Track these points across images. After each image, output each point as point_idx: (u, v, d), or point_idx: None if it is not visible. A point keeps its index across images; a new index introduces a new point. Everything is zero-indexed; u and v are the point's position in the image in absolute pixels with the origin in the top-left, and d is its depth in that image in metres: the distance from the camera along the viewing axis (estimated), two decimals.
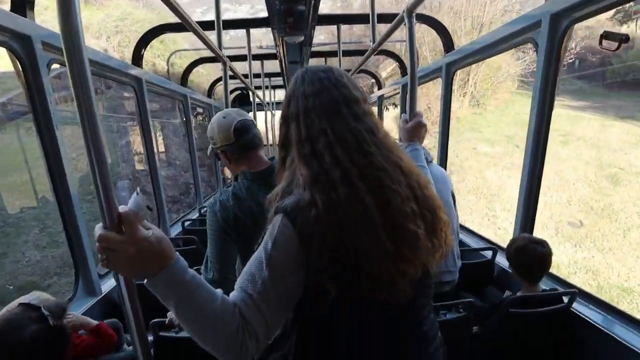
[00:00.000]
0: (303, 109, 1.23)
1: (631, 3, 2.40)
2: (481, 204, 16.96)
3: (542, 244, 2.53)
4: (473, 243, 4.28)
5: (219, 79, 8.98)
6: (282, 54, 5.86)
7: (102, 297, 3.11)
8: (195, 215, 6.43)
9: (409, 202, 1.15)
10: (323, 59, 7.03)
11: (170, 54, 14.34)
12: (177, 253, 1.02)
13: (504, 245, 3.82)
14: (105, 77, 4.00)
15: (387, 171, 1.15)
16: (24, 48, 2.51)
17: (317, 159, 1.15)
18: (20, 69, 2.55)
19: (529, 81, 22.93)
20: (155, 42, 7.20)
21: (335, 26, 4.98)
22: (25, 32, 2.47)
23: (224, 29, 3.51)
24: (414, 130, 1.96)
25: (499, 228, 15.42)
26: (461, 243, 4.19)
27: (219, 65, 3.42)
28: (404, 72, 7.42)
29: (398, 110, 12.79)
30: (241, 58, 6.36)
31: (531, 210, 3.24)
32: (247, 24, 4.88)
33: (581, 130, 18.96)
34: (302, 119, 1.22)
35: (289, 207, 1.11)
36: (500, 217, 15.97)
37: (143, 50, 4.91)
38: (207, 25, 4.38)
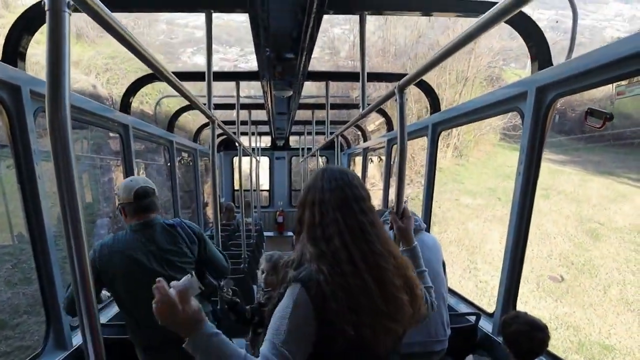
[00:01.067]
0: (319, 200, 1.53)
1: (615, 84, 2.42)
2: (462, 256, 16.94)
3: (543, 330, 2.46)
4: (455, 304, 4.28)
5: (206, 124, 8.98)
6: (269, 105, 5.90)
7: (72, 351, 2.97)
8: None
9: (397, 279, 1.48)
10: (310, 111, 7.08)
11: (158, 99, 14.25)
12: (207, 322, 1.30)
13: (487, 308, 3.78)
14: (92, 124, 3.98)
15: (382, 255, 1.47)
16: (11, 97, 2.58)
17: (325, 241, 1.47)
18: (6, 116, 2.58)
19: (511, 134, 23.47)
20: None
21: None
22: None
23: (217, 80, 3.67)
24: (408, 229, 2.02)
25: (480, 281, 15.36)
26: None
27: None
28: (390, 127, 7.52)
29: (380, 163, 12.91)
30: (229, 106, 6.38)
31: (516, 274, 3.22)
32: (236, 76, 4.94)
33: (561, 184, 19.24)
34: (317, 208, 1.52)
35: (305, 278, 1.41)
36: (481, 269, 15.93)
37: (131, 98, 4.94)
38: (196, 75, 4.60)
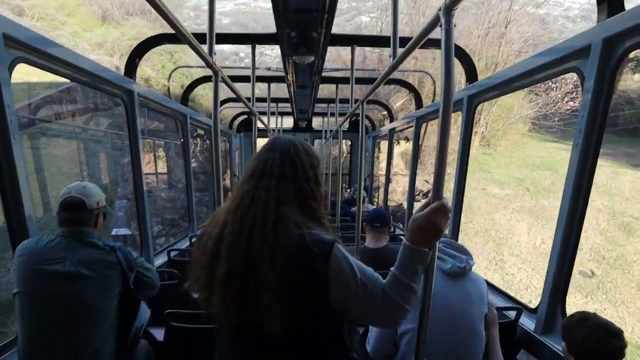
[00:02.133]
0: None
1: None
2: (488, 247, 16.36)
3: (619, 335, 1.97)
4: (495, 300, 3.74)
5: (225, 100, 8.60)
6: (291, 77, 5.47)
7: None
8: (184, 244, 5.88)
9: None
10: (334, 85, 6.55)
11: (171, 70, 13.91)
12: None
13: (528, 303, 3.34)
14: (91, 86, 3.61)
15: None
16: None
17: None
18: None
19: (542, 124, 22.66)
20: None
21: (349, 49, 4.50)
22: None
23: (229, 42, 4.01)
24: (438, 228, 1.49)
25: (507, 274, 14.81)
26: None
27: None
28: (418, 104, 7.03)
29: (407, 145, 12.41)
30: (245, 79, 5.98)
31: (566, 266, 2.73)
32: (252, 39, 4.43)
33: (594, 176, 18.32)
34: None
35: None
36: (507, 262, 15.34)
37: (137, 60, 4.57)
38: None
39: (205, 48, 2.44)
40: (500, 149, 22.95)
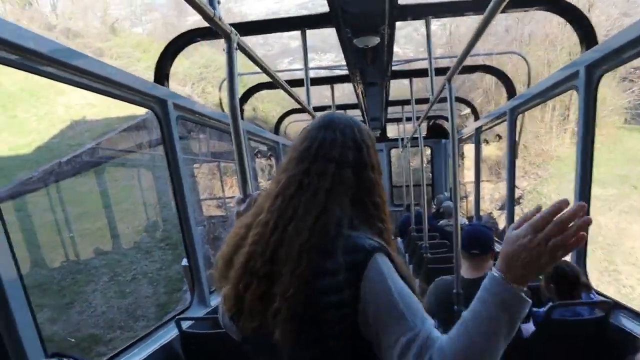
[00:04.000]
0: None
1: None
2: (597, 256, 14.58)
3: None
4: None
5: (288, 112, 8.19)
6: (355, 74, 5.21)
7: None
8: None
9: None
10: (407, 82, 6.34)
11: (222, 80, 13.40)
12: None
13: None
14: (119, 98, 2.94)
15: None
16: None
17: None
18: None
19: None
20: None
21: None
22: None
23: (271, 30, 4.09)
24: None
25: (624, 286, 13.15)
26: None
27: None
28: (510, 93, 6.09)
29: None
30: (299, 83, 5.61)
31: None
32: (299, 23, 4.06)
33: None
34: None
35: None
36: (623, 272, 13.59)
37: (169, 63, 3.92)
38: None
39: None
40: (595, 145, 20.95)
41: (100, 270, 13.09)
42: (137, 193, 16.60)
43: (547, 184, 18.44)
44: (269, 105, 25.89)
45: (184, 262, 9.93)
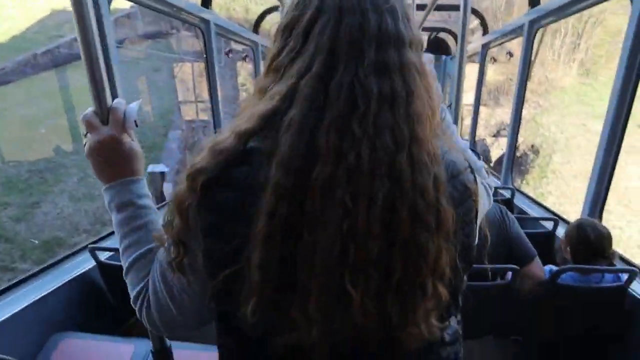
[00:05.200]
0: None
1: None
2: None
3: None
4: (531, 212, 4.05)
5: (272, 8, 7.50)
6: None
7: None
8: None
9: None
10: None
11: None
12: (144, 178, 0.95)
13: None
14: (173, 16, 3.98)
15: None
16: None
17: None
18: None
19: None
20: None
21: None
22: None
23: None
24: None
25: (613, 227, 12.69)
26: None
27: None
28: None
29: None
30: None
31: None
32: None
33: None
34: None
35: None
36: (614, 212, 13.05)
37: None
38: None
39: None
40: (602, 78, 19.85)
41: (70, 170, 12.62)
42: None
43: (548, 115, 17.64)
44: (262, 7, 24.50)
45: (150, 168, 9.11)
